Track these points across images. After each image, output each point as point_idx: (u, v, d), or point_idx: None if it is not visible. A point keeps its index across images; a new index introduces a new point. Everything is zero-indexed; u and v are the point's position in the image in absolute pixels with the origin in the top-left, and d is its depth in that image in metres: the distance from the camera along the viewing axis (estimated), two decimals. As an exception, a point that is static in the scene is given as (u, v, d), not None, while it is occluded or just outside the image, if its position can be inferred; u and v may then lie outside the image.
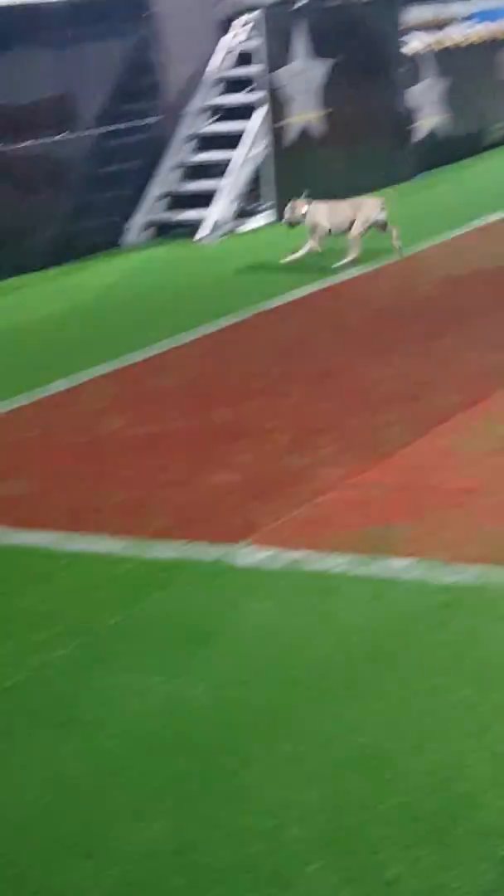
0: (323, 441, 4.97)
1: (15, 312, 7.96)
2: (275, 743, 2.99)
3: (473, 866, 2.50)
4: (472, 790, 2.74)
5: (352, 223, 8.19)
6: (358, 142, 10.72)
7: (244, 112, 10.04)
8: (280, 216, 9.89)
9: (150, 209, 9.95)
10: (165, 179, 10.04)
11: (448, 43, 11.98)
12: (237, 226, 9.86)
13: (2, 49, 8.91)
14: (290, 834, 2.67)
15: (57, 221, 9.30)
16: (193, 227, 9.71)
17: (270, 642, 3.47)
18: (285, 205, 9.94)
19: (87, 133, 9.48)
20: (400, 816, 2.68)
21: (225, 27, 10.40)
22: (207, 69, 10.29)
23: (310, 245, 8.32)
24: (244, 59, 10.22)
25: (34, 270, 8.95)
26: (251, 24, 10.16)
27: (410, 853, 2.57)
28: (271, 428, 5.22)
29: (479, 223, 9.00)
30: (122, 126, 9.73)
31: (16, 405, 5.88)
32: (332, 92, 10.41)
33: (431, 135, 11.66)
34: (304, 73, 10.20)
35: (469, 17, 15.54)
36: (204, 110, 10.27)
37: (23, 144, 9.03)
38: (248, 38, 10.23)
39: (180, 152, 10.15)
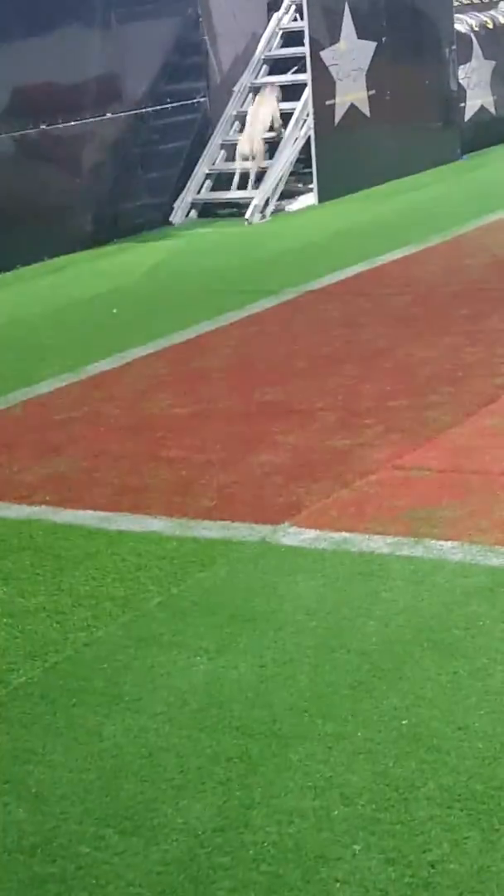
0: (369, 422, 4.95)
1: (61, 291, 7.98)
2: (318, 723, 2.99)
3: (517, 850, 2.49)
4: (517, 773, 2.72)
5: None
6: (406, 122, 10.66)
7: (291, 92, 10.00)
8: (323, 198, 9.86)
9: (197, 189, 9.94)
10: (213, 159, 10.03)
11: (497, 23, 11.86)
12: (284, 205, 9.83)
13: (50, 29, 8.92)
14: (334, 814, 2.66)
15: (104, 201, 9.32)
16: (240, 206, 9.70)
17: (314, 623, 3.47)
18: (330, 186, 9.94)
19: (134, 112, 9.48)
20: (444, 798, 2.68)
21: (273, 7, 10.36)
22: (256, 49, 10.26)
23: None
24: (292, 38, 10.18)
25: (81, 250, 8.97)
26: (297, 5, 10.11)
27: (454, 835, 2.56)
28: (317, 408, 5.21)
29: (526, 204, 8.93)
30: (169, 105, 9.72)
31: (63, 383, 5.90)
32: (379, 72, 10.35)
33: (480, 114, 11.56)
34: (351, 52, 10.14)
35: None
36: (252, 89, 10.24)
37: (70, 124, 9.03)
38: (296, 19, 10.19)
39: (228, 132, 10.12)
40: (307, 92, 9.86)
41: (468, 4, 13.67)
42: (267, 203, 9.67)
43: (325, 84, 9.93)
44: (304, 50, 9.84)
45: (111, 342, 6.52)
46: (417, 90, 10.86)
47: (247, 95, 10.22)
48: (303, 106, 9.88)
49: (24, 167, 8.84)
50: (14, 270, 8.57)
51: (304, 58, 9.88)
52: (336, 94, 10.04)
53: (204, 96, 10.00)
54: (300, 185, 10.13)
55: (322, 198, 9.92)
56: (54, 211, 8.91)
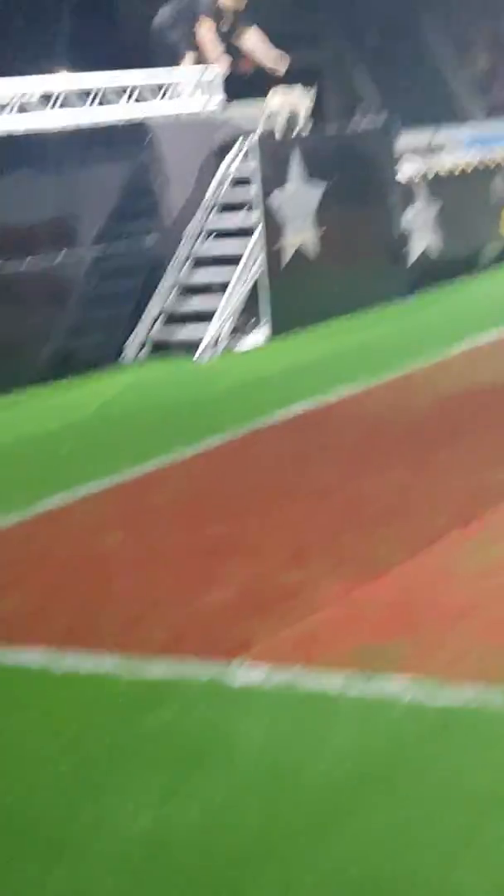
0: (318, 557, 4.97)
1: (13, 428, 8.00)
2: (267, 870, 2.93)
3: None
4: (470, 920, 2.68)
5: None
6: (353, 262, 10.91)
7: (241, 233, 10.23)
8: (275, 333, 10.03)
9: (148, 327, 10.07)
10: (164, 298, 10.19)
11: (442, 168, 12.25)
12: (234, 344, 9.97)
13: (7, 173, 9.12)
14: None
15: (56, 338, 9.41)
16: (191, 345, 9.83)
17: (264, 764, 3.42)
18: (280, 323, 10.14)
19: (87, 252, 9.64)
20: None
21: (222, 152, 10.64)
22: (206, 192, 10.50)
23: None
24: (241, 182, 10.44)
25: (33, 386, 9.02)
26: (247, 150, 10.40)
27: None
28: (266, 544, 5.22)
29: (470, 343, 9.11)
30: (121, 246, 9.90)
31: (12, 521, 5.88)
32: (327, 213, 10.61)
33: (425, 255, 11.86)
34: (300, 195, 10.41)
35: (463, 144, 15.96)
36: (202, 231, 10.46)
37: (25, 262, 9.17)
38: (245, 163, 10.47)
39: (179, 272, 10.31)
40: (257, 233, 10.09)
41: (413, 151, 14.15)
42: (218, 340, 9.81)
43: (274, 225, 10.16)
44: (254, 193, 10.09)
45: (62, 479, 6.52)
46: (364, 231, 11.13)
47: (198, 236, 10.44)
48: (253, 246, 10.10)
49: (-22, 305, 8.94)
50: (-35, 407, 8.59)
51: (252, 201, 10.13)
52: (285, 235, 10.28)
53: (155, 238, 10.19)
54: (251, 323, 10.30)
55: (273, 335, 10.08)
56: (7, 348, 8.98)
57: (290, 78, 11.07)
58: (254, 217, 10.12)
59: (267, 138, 10.34)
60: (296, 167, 10.37)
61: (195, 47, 11.12)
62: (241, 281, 10.04)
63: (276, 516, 5.60)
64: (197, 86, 10.90)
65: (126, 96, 10.26)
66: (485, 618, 4.23)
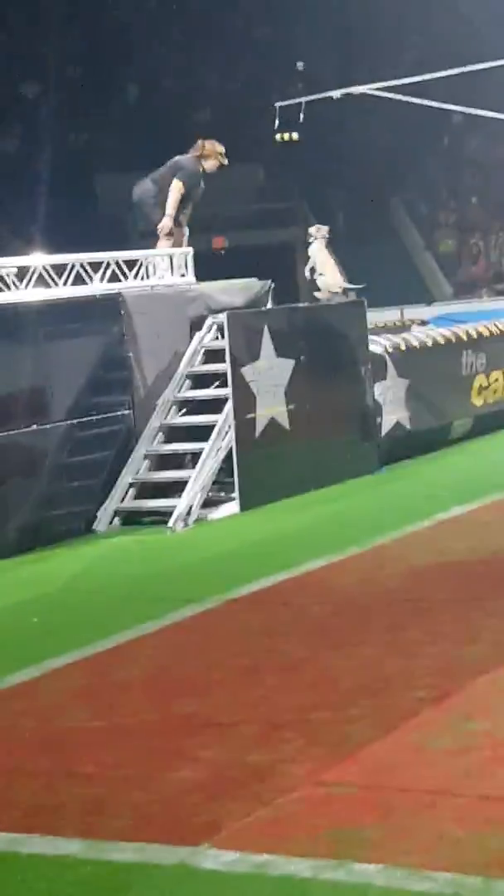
0: (289, 735, 4.88)
1: (-19, 600, 7.92)
2: None
3: None
4: None
5: None
6: (324, 435, 11.03)
7: (213, 405, 10.35)
8: (244, 507, 10.07)
9: (120, 497, 10.09)
10: (136, 468, 10.24)
11: (410, 344, 12.51)
12: (205, 515, 9.99)
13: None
14: None
15: (28, 509, 9.40)
16: (163, 515, 9.84)
17: None
18: (251, 495, 10.20)
19: (60, 424, 9.72)
20: None
21: (195, 326, 10.85)
22: (178, 365, 10.67)
23: None
24: (214, 356, 10.62)
25: (3, 558, 8.98)
26: (218, 325, 10.61)
27: None
28: (236, 721, 5.14)
29: (441, 516, 9.15)
30: (94, 417, 9.98)
31: (-24, 696, 5.78)
32: (298, 388, 10.78)
33: (396, 429, 12.00)
34: (271, 370, 10.58)
35: (431, 320, 16.39)
36: (174, 403, 10.59)
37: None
38: (217, 338, 10.67)
39: (151, 442, 10.39)
40: (228, 405, 10.21)
41: (382, 327, 14.48)
42: (190, 511, 9.83)
43: (245, 398, 10.30)
44: (226, 366, 10.25)
45: (30, 652, 6.44)
46: (335, 405, 11.29)
47: (170, 408, 10.56)
48: (224, 418, 10.21)
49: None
50: None
51: (225, 374, 10.28)
52: (256, 408, 10.41)
53: (128, 409, 10.30)
54: (222, 494, 10.34)
55: (244, 506, 10.11)
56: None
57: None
58: (225, 390, 10.26)
59: (237, 315, 10.56)
60: (266, 343, 10.56)
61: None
62: (212, 452, 10.11)
63: (245, 692, 5.53)
64: (171, 265, 11.18)
65: (101, 273, 10.50)
66: (458, 801, 4.15)
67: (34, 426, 9.50)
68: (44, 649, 6.46)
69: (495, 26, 21.68)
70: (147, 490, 10.21)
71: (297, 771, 4.50)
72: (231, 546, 8.91)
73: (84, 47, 26.46)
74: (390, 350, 12.11)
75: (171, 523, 9.68)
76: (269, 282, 11.76)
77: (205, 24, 26.63)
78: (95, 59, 26.34)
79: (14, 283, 9.88)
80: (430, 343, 12.77)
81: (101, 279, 10.52)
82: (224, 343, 10.33)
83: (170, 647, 6.47)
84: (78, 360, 9.94)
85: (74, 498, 9.83)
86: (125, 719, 5.30)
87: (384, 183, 26.23)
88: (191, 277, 11.34)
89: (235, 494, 10.17)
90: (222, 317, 10.45)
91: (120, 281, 10.67)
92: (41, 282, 10.05)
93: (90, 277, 10.41)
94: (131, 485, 10.17)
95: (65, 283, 10.18)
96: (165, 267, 11.16)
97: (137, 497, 10.17)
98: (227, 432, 10.20)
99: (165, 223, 11.22)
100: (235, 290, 11.45)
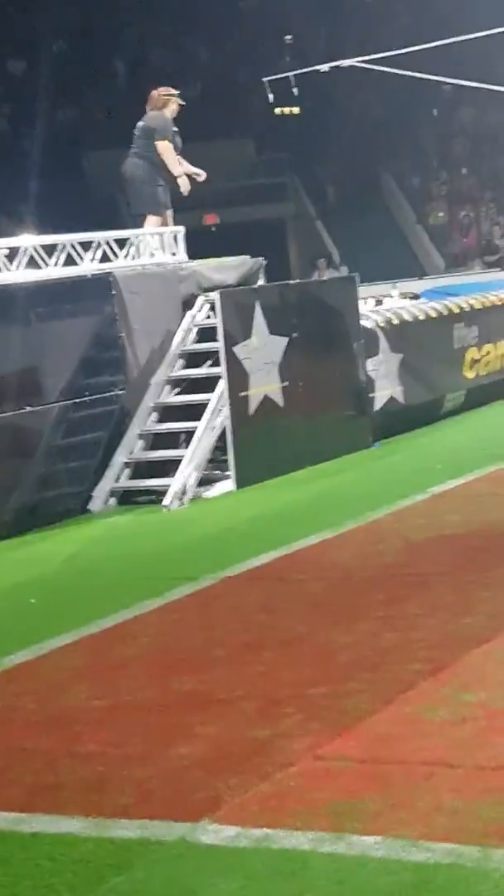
0: (288, 710, 4.92)
1: (-21, 581, 7.95)
2: None
3: None
4: None
5: None
6: (318, 411, 11.04)
7: (206, 384, 10.36)
8: (240, 484, 10.10)
9: (115, 477, 10.11)
10: (130, 448, 10.26)
11: (402, 318, 12.50)
12: (201, 493, 10.01)
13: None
14: None
15: (23, 490, 9.42)
16: (158, 494, 9.86)
17: (235, 928, 3.35)
18: (246, 472, 10.22)
19: (54, 404, 9.73)
20: None
21: (187, 305, 10.85)
22: (171, 344, 10.67)
23: None
24: (206, 334, 10.63)
25: (0, 540, 9.00)
26: (210, 303, 10.60)
27: None
28: (236, 697, 5.17)
29: (435, 490, 9.18)
30: (87, 398, 9.99)
31: (-24, 678, 5.81)
32: (291, 364, 10.78)
33: (389, 404, 12.02)
34: (264, 347, 10.58)
35: (423, 294, 16.37)
36: (168, 382, 10.60)
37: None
38: (209, 316, 10.66)
39: (145, 422, 10.40)
40: (222, 384, 10.22)
41: (375, 300, 14.44)
42: (185, 490, 9.85)
43: (238, 376, 10.31)
44: (218, 345, 10.26)
45: (28, 633, 6.47)
46: (328, 381, 11.30)
47: (163, 387, 10.56)
48: (218, 397, 10.22)
49: None
50: None
51: (217, 352, 10.29)
52: (250, 386, 10.42)
53: (122, 389, 10.31)
54: (218, 472, 10.36)
55: (239, 484, 10.14)
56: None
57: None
58: (219, 368, 10.27)
59: (229, 293, 10.56)
60: (259, 320, 10.56)
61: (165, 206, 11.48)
62: (206, 431, 10.13)
63: (244, 668, 5.56)
64: (161, 244, 11.18)
65: (92, 253, 10.50)
66: (456, 771, 4.19)
67: (28, 408, 9.51)
68: (43, 629, 6.49)
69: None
70: (142, 469, 10.23)
71: (296, 745, 4.54)
72: (227, 524, 8.93)
73: (71, 23, 26.34)
74: (382, 325, 12.11)
75: (166, 502, 9.71)
76: (261, 259, 11.76)
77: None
78: (82, 35, 26.23)
79: (5, 265, 9.88)
80: (421, 317, 12.77)
81: (92, 259, 10.52)
82: (216, 321, 10.33)
83: (168, 625, 6.50)
84: (70, 341, 9.94)
85: (70, 478, 9.85)
86: (125, 697, 5.34)
87: (375, 156, 26.16)
88: (182, 256, 11.33)
89: (230, 472, 10.20)
90: (214, 295, 10.44)
91: (111, 261, 10.66)
92: (32, 263, 10.04)
93: (81, 257, 10.41)
94: (126, 464, 10.19)
95: (56, 264, 10.17)
96: (156, 246, 11.16)
97: (132, 477, 10.19)
98: (220, 410, 10.21)
99: (182, 183, 11.36)
100: (227, 268, 11.45)
